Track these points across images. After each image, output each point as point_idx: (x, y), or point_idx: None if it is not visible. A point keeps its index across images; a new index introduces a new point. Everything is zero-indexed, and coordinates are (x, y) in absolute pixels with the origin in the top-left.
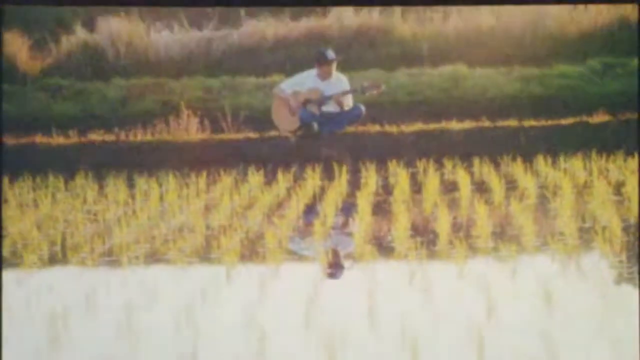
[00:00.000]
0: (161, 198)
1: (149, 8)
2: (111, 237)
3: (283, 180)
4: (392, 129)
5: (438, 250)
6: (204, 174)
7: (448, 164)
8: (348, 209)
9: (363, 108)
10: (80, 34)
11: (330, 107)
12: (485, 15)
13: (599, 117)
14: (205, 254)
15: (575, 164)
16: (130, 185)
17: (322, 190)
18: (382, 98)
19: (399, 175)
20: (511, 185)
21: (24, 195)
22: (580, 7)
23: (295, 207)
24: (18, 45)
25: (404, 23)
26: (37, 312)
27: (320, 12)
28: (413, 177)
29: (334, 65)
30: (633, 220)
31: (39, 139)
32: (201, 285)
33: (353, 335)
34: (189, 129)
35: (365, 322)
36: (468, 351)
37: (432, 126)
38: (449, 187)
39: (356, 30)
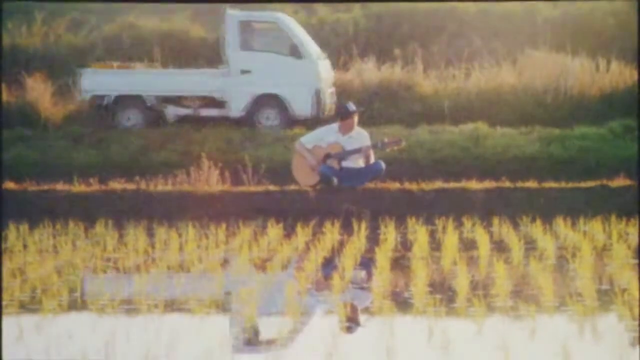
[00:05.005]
0: (181, 248)
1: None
2: (130, 285)
3: (302, 233)
4: (412, 186)
5: (456, 307)
6: (224, 225)
7: (467, 223)
8: (367, 264)
9: (383, 164)
10: None
11: (350, 163)
12: (506, 74)
13: (620, 181)
14: (224, 305)
15: (595, 227)
16: (150, 234)
17: (341, 244)
18: (402, 155)
19: (418, 232)
20: (530, 245)
21: (44, 242)
22: (602, 68)
23: (314, 260)
24: (40, 91)
25: (425, 79)
26: (56, 359)
27: (342, 67)
28: (432, 234)
29: (356, 119)
30: None
31: (60, 186)
32: (220, 335)
33: None
34: (210, 180)
35: None
36: None
37: (452, 185)
38: (468, 246)
39: (377, 85)
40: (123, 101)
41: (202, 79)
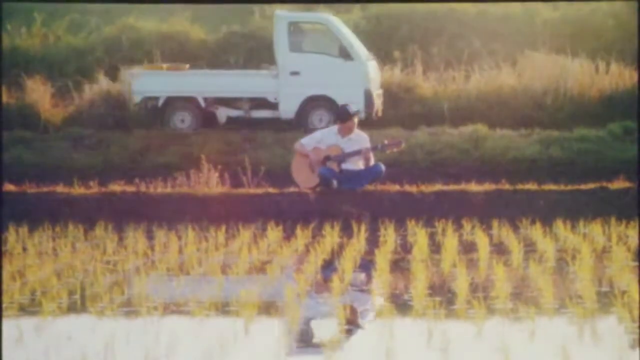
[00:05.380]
0: (180, 250)
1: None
2: (130, 287)
3: (302, 236)
4: (412, 188)
5: (456, 310)
6: (223, 227)
7: (467, 225)
8: (366, 266)
9: (383, 167)
10: (102, 83)
11: (350, 165)
12: (506, 76)
13: (619, 183)
14: (223, 307)
15: (595, 229)
16: (150, 236)
17: (341, 247)
18: (402, 157)
19: (418, 235)
20: (530, 248)
21: (43, 244)
22: (602, 70)
23: (314, 262)
24: (40, 93)
25: (425, 81)
26: None
27: None
28: (432, 236)
29: (356, 121)
30: None
31: (60, 188)
32: (219, 337)
33: None
34: (209, 183)
35: None
36: None
37: (452, 187)
38: (468, 248)
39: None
40: (174, 103)
41: (253, 80)
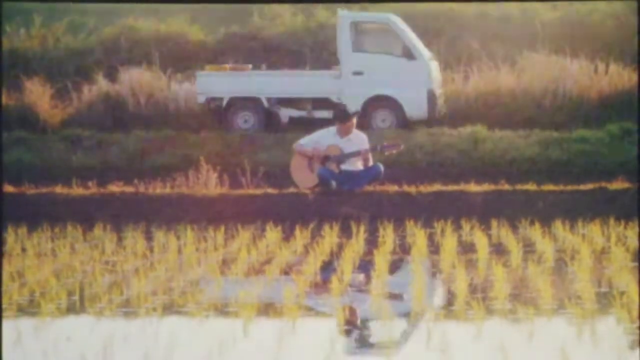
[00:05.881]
0: (179, 251)
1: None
2: (129, 288)
3: (301, 236)
4: (411, 189)
5: (455, 310)
6: (222, 228)
7: (466, 226)
8: (365, 267)
9: (382, 167)
10: (101, 84)
11: (349, 166)
12: (505, 77)
13: (618, 184)
14: (222, 308)
15: (594, 230)
16: (149, 237)
17: (340, 247)
18: (401, 158)
19: (417, 235)
20: (529, 248)
21: (42, 245)
22: (601, 70)
23: (313, 263)
24: (39, 94)
25: None
26: None
27: None
28: (431, 237)
29: (354, 121)
30: None
31: (59, 189)
32: (218, 338)
33: None
34: (208, 183)
35: None
36: None
37: (451, 187)
38: (467, 249)
39: None
40: (238, 103)
41: (316, 81)
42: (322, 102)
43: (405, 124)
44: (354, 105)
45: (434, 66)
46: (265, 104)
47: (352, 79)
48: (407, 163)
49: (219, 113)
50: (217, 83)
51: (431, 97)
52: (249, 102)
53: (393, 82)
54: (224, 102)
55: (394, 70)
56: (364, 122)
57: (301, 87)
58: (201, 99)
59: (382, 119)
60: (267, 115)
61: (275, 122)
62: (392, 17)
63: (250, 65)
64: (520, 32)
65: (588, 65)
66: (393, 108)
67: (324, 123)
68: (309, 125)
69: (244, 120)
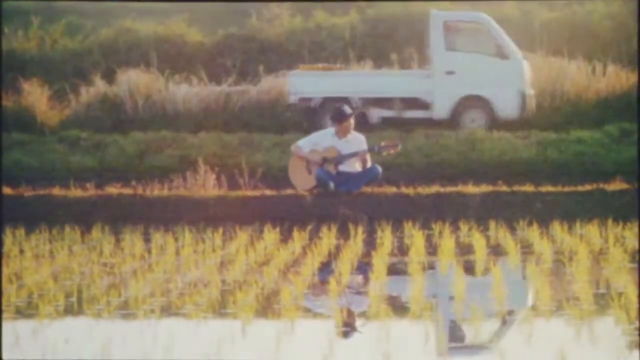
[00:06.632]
0: (177, 252)
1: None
2: (127, 290)
3: (299, 238)
4: (409, 190)
5: (453, 311)
6: (220, 230)
7: (464, 227)
8: (363, 268)
9: (380, 169)
10: (99, 85)
11: (347, 167)
12: None
13: (616, 185)
14: (220, 309)
15: (592, 231)
16: (147, 239)
17: (338, 249)
18: (399, 159)
19: (415, 237)
20: (527, 249)
21: (40, 247)
22: (599, 71)
23: (311, 265)
24: (37, 96)
25: None
26: None
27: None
28: (429, 238)
29: (352, 122)
30: None
31: (57, 191)
32: (216, 339)
33: None
34: (206, 185)
35: None
36: None
37: (449, 189)
38: (465, 250)
39: None
40: (329, 103)
41: (407, 80)
42: (412, 102)
43: (494, 123)
44: (445, 104)
45: (526, 66)
46: (356, 104)
47: (444, 79)
48: (405, 164)
49: (309, 113)
50: (309, 83)
51: (523, 97)
52: (340, 102)
53: (485, 81)
54: (316, 102)
55: (487, 69)
56: (455, 121)
57: (392, 86)
58: (293, 99)
59: (472, 118)
60: (357, 115)
61: (366, 122)
62: (485, 16)
63: (338, 65)
64: (518, 33)
65: (585, 66)
66: (484, 108)
67: (414, 123)
68: (399, 125)
69: None
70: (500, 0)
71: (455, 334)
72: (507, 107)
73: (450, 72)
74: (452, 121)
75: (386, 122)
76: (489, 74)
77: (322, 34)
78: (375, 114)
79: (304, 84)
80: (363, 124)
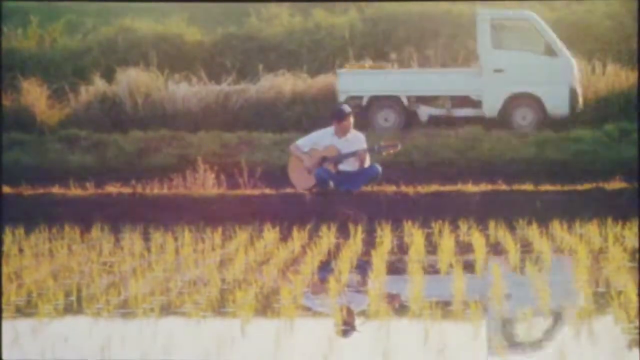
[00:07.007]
0: (177, 251)
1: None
2: (126, 289)
3: (298, 237)
4: (408, 189)
5: (453, 310)
6: (220, 229)
7: (463, 226)
8: (363, 267)
9: (380, 168)
10: (99, 84)
11: (346, 166)
12: None
13: (616, 184)
14: (220, 308)
15: (591, 230)
16: (146, 238)
17: (337, 248)
18: (399, 158)
19: (414, 236)
20: (526, 248)
21: (39, 246)
22: (599, 71)
23: (310, 264)
24: (36, 95)
25: None
26: None
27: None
28: (428, 237)
29: (351, 121)
30: None
31: (56, 190)
32: (216, 338)
33: None
34: (206, 184)
35: None
36: None
37: (448, 188)
38: (464, 249)
39: None
40: (378, 102)
41: (456, 78)
42: (461, 100)
43: (544, 122)
44: (495, 102)
45: (575, 64)
46: (405, 102)
47: (493, 77)
48: (405, 163)
49: (358, 112)
50: (358, 82)
51: (573, 95)
52: (389, 101)
53: (535, 79)
54: (365, 101)
55: (536, 67)
56: (504, 119)
57: (441, 85)
58: (342, 97)
59: (523, 116)
60: (406, 113)
61: (415, 121)
62: (532, 14)
63: (387, 64)
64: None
65: (585, 65)
66: (534, 106)
67: (464, 121)
68: (449, 123)
69: (385, 119)
70: (501, 0)
71: (507, 333)
72: (558, 104)
73: (498, 70)
74: (502, 119)
75: (434, 121)
76: (539, 72)
77: (321, 33)
78: (425, 112)
79: (354, 82)
80: (414, 123)
